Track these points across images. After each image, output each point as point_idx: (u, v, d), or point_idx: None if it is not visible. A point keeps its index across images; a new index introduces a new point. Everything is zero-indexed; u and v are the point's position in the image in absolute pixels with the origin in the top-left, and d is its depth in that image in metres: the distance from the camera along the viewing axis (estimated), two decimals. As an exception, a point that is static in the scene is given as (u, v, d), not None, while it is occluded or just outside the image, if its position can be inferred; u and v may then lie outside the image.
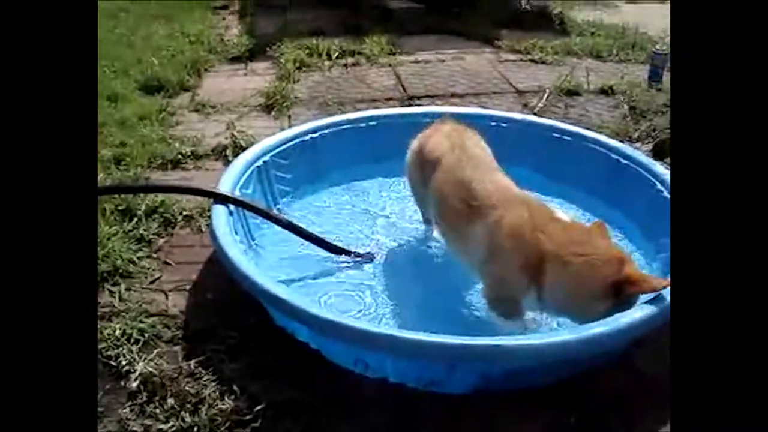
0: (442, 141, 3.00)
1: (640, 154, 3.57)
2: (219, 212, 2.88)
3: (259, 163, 3.36)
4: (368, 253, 3.11)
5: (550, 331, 2.30)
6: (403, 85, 5.32)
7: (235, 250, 2.64)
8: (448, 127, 3.11)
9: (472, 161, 2.87)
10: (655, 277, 2.51)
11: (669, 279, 2.37)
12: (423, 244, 3.23)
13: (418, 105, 4.89)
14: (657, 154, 4.24)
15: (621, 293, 2.36)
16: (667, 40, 6.25)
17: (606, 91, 5.17)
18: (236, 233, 2.85)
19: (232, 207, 2.95)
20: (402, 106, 4.90)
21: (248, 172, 3.26)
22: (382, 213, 3.48)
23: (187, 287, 2.99)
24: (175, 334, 2.71)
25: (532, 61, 5.95)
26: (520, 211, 2.57)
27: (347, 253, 3.07)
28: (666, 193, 3.15)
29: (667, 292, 2.37)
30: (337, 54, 5.92)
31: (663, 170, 3.33)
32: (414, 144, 3.16)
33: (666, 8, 8.10)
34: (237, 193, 3.08)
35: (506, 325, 2.59)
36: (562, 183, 3.55)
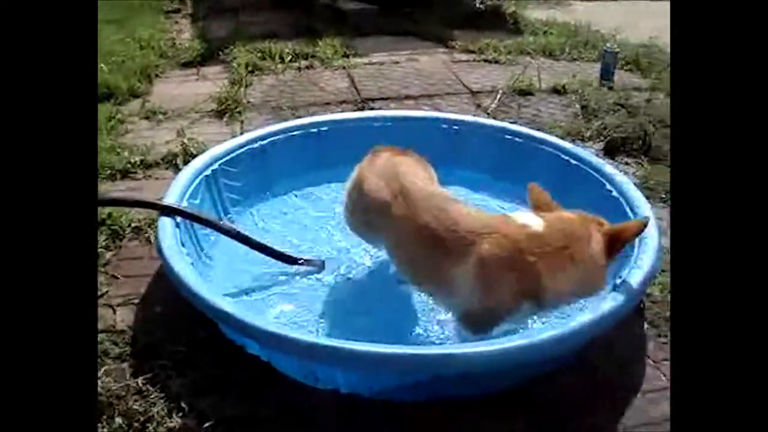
0: (382, 187, 2.73)
1: (589, 154, 3.61)
2: (165, 225, 2.83)
3: (208, 172, 3.31)
4: (319, 260, 3.07)
5: (501, 338, 2.28)
6: (356, 88, 5.29)
7: (182, 265, 2.59)
8: (382, 162, 2.86)
9: (422, 204, 2.60)
10: (630, 222, 2.72)
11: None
12: (375, 251, 3.19)
13: (372, 108, 4.87)
14: (608, 152, 4.29)
15: (615, 252, 2.51)
16: (618, 38, 6.35)
17: (558, 91, 5.21)
18: (184, 245, 2.80)
19: (179, 218, 2.89)
20: (356, 108, 4.89)
21: (196, 182, 3.20)
22: (334, 220, 3.44)
23: (136, 301, 2.93)
24: (122, 351, 2.66)
25: (486, 61, 5.97)
26: (495, 239, 2.42)
27: (298, 261, 3.03)
28: (615, 193, 3.17)
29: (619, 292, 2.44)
30: (290, 57, 5.87)
31: (612, 170, 3.37)
32: (350, 185, 2.92)
33: (618, 6, 8.25)
34: (185, 204, 3.03)
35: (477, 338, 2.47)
36: (514, 184, 3.54)
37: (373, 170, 2.85)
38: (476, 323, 2.48)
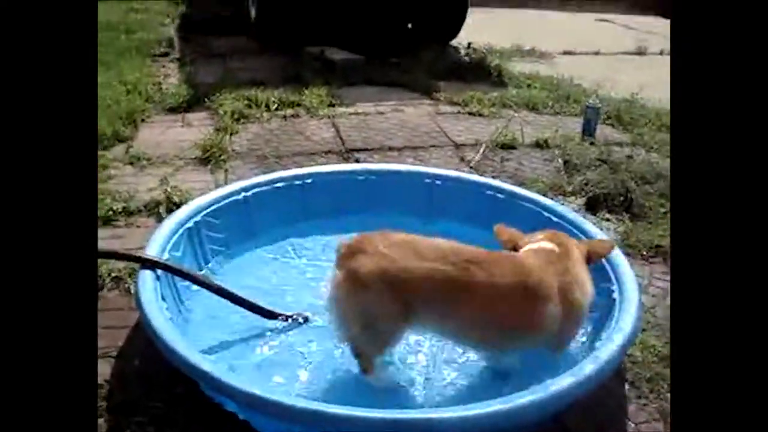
0: (412, 258, 2.58)
1: (569, 211, 3.63)
2: (145, 277, 2.81)
3: (190, 224, 3.30)
4: (301, 315, 3.06)
5: (480, 402, 2.27)
6: (341, 138, 5.33)
7: (161, 320, 2.56)
8: (384, 246, 2.62)
9: (463, 267, 2.58)
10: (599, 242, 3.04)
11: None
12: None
13: (356, 158, 4.90)
14: (590, 208, 4.34)
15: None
16: (600, 92, 6.46)
17: (541, 145, 5.27)
18: (164, 299, 2.78)
19: (159, 271, 2.88)
20: (340, 159, 4.91)
21: (178, 233, 3.20)
22: (317, 272, 3.43)
23: (113, 354, 2.89)
24: (99, 406, 2.61)
25: (470, 113, 6.04)
26: (554, 268, 2.67)
27: (279, 316, 3.01)
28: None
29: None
30: (276, 105, 5.91)
31: (592, 228, 3.40)
32: (358, 276, 2.55)
33: (600, 60, 8.42)
34: (166, 256, 3.01)
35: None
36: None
37: (381, 249, 2.61)
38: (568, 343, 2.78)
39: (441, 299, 2.58)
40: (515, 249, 2.84)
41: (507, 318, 2.60)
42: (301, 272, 3.46)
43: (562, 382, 2.33)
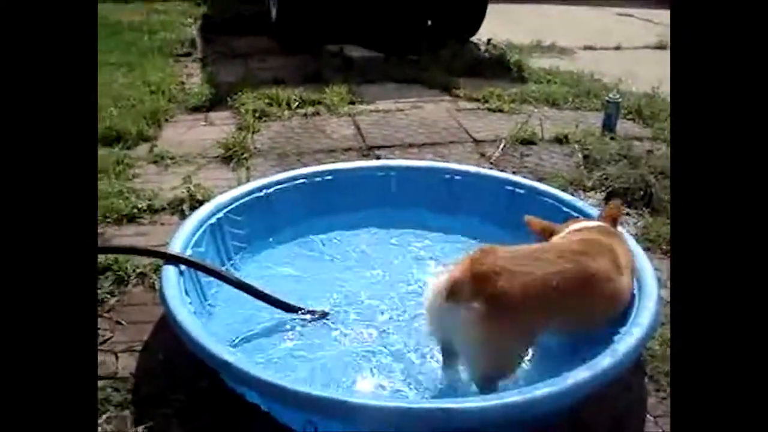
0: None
1: (588, 206, 3.64)
2: (169, 273, 2.87)
3: (213, 220, 3.36)
4: (322, 310, 3.10)
5: (499, 393, 2.30)
6: (362, 135, 5.37)
7: (185, 314, 2.62)
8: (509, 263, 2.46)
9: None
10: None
11: None
12: (378, 301, 3.22)
13: (377, 155, 4.94)
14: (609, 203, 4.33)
15: None
16: (620, 87, 6.43)
17: (561, 140, 5.26)
18: (187, 294, 2.83)
19: (183, 267, 2.93)
20: (361, 156, 4.95)
21: (201, 230, 3.25)
22: (338, 268, 3.48)
23: (138, 348, 2.96)
24: (124, 398, 2.68)
25: (490, 109, 6.04)
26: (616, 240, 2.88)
27: (300, 310, 3.06)
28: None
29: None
30: (297, 103, 5.96)
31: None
32: (507, 303, 2.34)
33: (621, 55, 8.37)
34: (189, 252, 3.07)
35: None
36: (514, 234, 3.57)
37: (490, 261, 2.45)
38: None
39: (575, 299, 2.54)
40: (552, 234, 2.91)
41: (614, 297, 2.70)
42: (321, 268, 3.50)
43: (580, 375, 2.35)
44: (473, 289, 2.33)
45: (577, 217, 3.24)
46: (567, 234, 2.86)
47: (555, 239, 2.87)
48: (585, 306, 2.62)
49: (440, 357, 2.72)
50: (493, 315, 2.31)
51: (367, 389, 2.66)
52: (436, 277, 2.53)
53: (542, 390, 2.26)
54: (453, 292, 2.35)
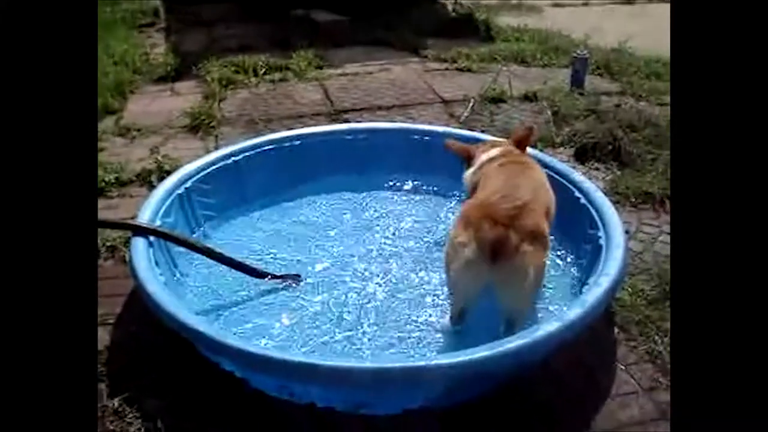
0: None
1: (557, 162, 3.65)
2: (138, 245, 2.84)
3: (181, 190, 3.33)
4: (293, 275, 3.10)
5: (470, 349, 2.32)
6: (330, 100, 5.33)
7: (156, 285, 2.61)
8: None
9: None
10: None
11: None
12: (350, 264, 3.23)
13: (346, 119, 4.91)
14: (579, 158, 4.36)
15: None
16: (588, 42, 6.43)
17: (530, 97, 5.28)
18: (158, 265, 2.82)
19: (152, 238, 2.91)
20: (329, 120, 4.92)
21: (169, 200, 3.23)
22: (309, 233, 3.48)
23: (111, 321, 2.94)
24: (99, 371, 2.67)
25: (458, 69, 6.04)
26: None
27: (271, 276, 3.06)
28: (583, 200, 3.23)
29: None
30: (264, 70, 5.91)
31: (580, 177, 3.42)
32: (537, 234, 2.58)
33: (588, 11, 8.36)
34: (158, 223, 3.05)
35: None
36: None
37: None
38: None
39: (549, 208, 2.83)
40: (470, 158, 3.21)
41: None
42: (291, 233, 3.50)
43: (549, 326, 2.38)
44: (513, 239, 2.50)
45: (485, 141, 3.42)
46: (488, 160, 3.08)
47: (488, 171, 3.00)
48: (551, 211, 2.85)
49: (440, 319, 2.83)
50: (537, 250, 2.54)
51: (341, 352, 2.67)
52: (459, 244, 2.56)
53: (514, 343, 2.28)
54: (496, 251, 2.48)
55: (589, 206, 3.17)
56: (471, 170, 3.16)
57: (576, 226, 3.07)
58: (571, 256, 3.08)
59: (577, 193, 3.28)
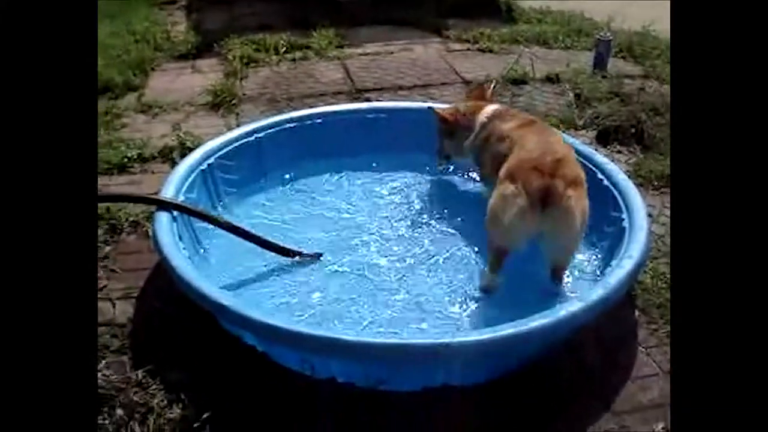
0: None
1: (580, 143, 3.63)
2: (162, 219, 2.86)
3: (204, 166, 3.34)
4: (315, 252, 3.11)
5: (494, 327, 2.33)
6: (351, 79, 5.31)
7: (179, 259, 2.63)
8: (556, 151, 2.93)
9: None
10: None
11: None
12: (371, 241, 3.24)
13: (367, 98, 4.90)
14: (601, 140, 4.33)
15: None
16: (612, 25, 6.35)
17: (552, 79, 5.23)
18: (181, 239, 2.83)
19: (175, 213, 2.93)
20: (350, 99, 4.91)
21: (192, 176, 3.24)
22: (330, 211, 3.49)
23: (135, 295, 2.98)
24: (122, 344, 2.71)
25: (480, 50, 5.99)
26: None
27: (293, 253, 3.07)
28: (606, 182, 3.21)
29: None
30: (285, 48, 5.88)
31: (603, 159, 3.40)
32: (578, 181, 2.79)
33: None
34: (181, 198, 3.07)
35: None
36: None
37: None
38: None
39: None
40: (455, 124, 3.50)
41: None
42: (314, 210, 3.51)
43: (572, 306, 2.38)
44: (559, 186, 2.68)
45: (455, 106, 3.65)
46: (490, 121, 3.34)
47: (510, 133, 3.15)
48: None
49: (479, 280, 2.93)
50: (580, 195, 2.73)
51: (362, 328, 2.68)
52: (510, 196, 2.71)
53: (537, 322, 2.28)
54: (545, 198, 2.67)
55: (612, 188, 3.15)
56: (472, 136, 3.41)
57: (599, 208, 3.05)
58: (594, 239, 3.06)
59: (600, 175, 3.25)
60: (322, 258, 3.10)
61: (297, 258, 3.07)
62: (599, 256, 3.02)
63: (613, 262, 2.70)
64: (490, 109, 3.45)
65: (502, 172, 2.85)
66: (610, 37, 5.46)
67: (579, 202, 2.71)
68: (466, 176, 3.82)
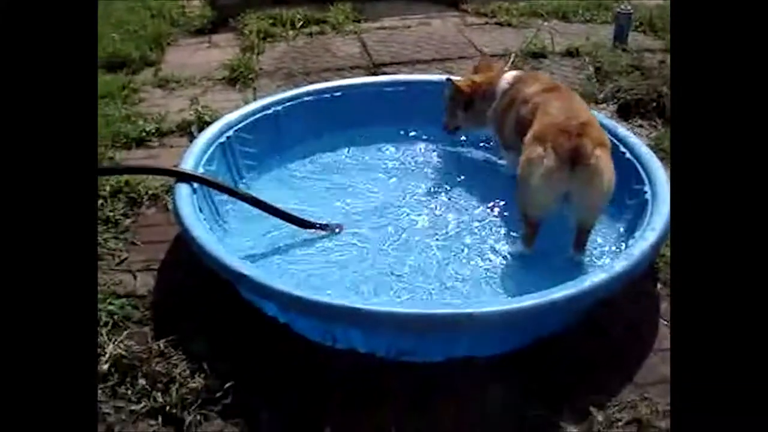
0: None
1: (602, 116, 3.59)
2: (182, 191, 2.86)
3: (223, 139, 3.34)
4: (335, 224, 3.11)
5: (517, 297, 2.32)
6: (368, 53, 5.28)
7: (200, 230, 2.63)
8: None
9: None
10: None
11: None
12: (391, 213, 3.23)
13: (384, 72, 4.87)
14: (622, 114, 4.28)
15: None
16: (632, -1, 6.26)
17: (572, 53, 5.17)
18: (201, 211, 2.83)
19: (195, 185, 2.93)
20: (368, 73, 4.88)
21: (211, 149, 3.24)
22: (349, 184, 3.48)
23: (156, 267, 2.99)
24: (144, 315, 2.72)
25: (498, 24, 5.93)
26: None
27: (313, 226, 3.06)
28: (629, 155, 3.17)
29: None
30: (301, 23, 5.85)
31: (625, 132, 3.37)
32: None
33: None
34: (201, 171, 3.06)
35: None
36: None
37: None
38: None
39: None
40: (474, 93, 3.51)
41: None
42: (332, 183, 3.50)
43: (595, 277, 2.36)
44: (588, 146, 2.69)
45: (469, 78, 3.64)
46: (514, 88, 3.36)
47: (534, 99, 3.14)
48: None
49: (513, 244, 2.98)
50: (607, 156, 2.76)
51: (384, 298, 2.68)
52: (538, 158, 2.73)
53: (561, 292, 2.27)
54: (574, 157, 2.68)
55: (634, 161, 3.12)
56: (494, 104, 3.42)
57: (621, 181, 3.02)
58: (616, 211, 3.03)
59: (622, 148, 3.21)
60: (342, 230, 3.09)
61: (318, 230, 3.07)
62: (622, 228, 2.99)
63: (636, 234, 2.67)
64: (511, 75, 3.46)
65: (528, 136, 2.85)
66: (631, 11, 5.38)
67: (607, 162, 2.74)
68: (484, 146, 3.81)
